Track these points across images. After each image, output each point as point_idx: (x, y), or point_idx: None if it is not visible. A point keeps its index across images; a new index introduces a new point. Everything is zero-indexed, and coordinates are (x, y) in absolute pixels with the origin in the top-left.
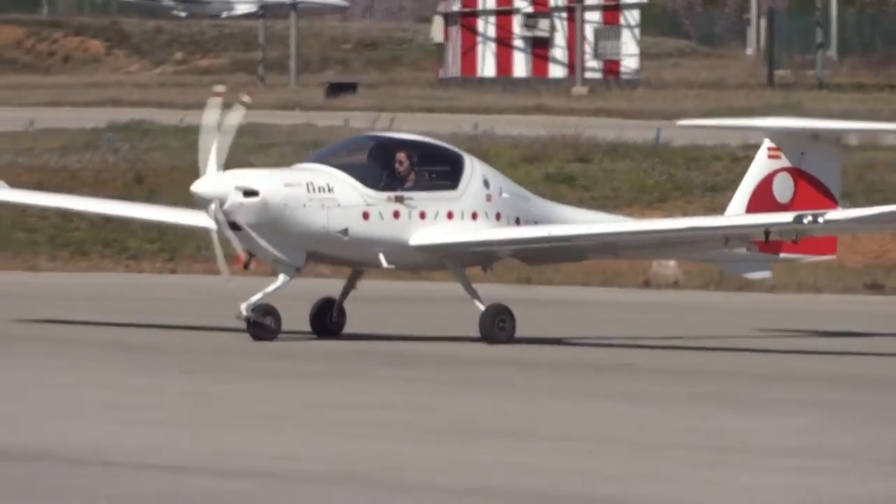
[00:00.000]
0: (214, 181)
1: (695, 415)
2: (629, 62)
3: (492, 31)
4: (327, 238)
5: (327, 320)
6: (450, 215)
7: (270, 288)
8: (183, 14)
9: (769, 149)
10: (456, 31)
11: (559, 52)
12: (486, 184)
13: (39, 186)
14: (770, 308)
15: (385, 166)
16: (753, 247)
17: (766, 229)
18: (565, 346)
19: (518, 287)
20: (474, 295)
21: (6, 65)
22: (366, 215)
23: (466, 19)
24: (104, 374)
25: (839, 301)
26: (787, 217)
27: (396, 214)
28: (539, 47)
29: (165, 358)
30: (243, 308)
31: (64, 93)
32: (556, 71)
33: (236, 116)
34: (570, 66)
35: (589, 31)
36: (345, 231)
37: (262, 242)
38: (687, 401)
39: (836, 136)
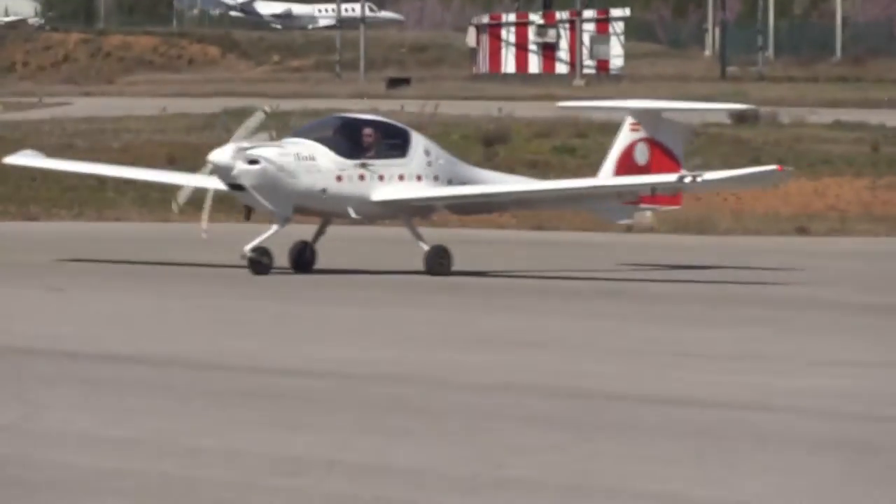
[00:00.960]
0: (226, 153)
1: (661, 328)
2: (616, 61)
3: (512, 38)
4: (310, 195)
5: (303, 258)
6: (401, 177)
7: (267, 234)
8: (279, 26)
9: (631, 123)
10: (485, 38)
11: (563, 53)
12: (427, 153)
13: (171, 158)
14: (729, 246)
15: (352, 140)
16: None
17: (653, 187)
18: (567, 277)
19: (532, 232)
20: (419, 237)
21: (145, 65)
22: (339, 178)
23: (493, 29)
24: (214, 301)
25: (773, 241)
26: (671, 177)
27: (362, 177)
28: (548, 50)
29: (256, 289)
30: (246, 249)
31: (188, 86)
32: (561, 68)
33: (256, 119)
34: (572, 64)
35: (586, 38)
36: (324, 190)
37: (261, 199)
38: (658, 319)
39: (676, 113)
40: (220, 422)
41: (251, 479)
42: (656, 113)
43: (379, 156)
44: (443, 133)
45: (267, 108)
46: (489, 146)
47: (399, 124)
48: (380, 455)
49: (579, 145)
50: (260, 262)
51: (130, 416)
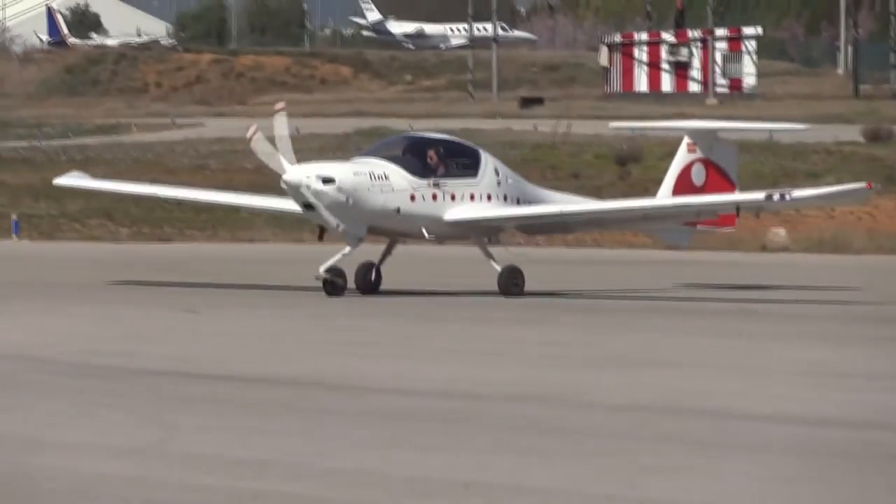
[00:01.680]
0: (299, 171)
1: (798, 348)
2: (748, 80)
3: (645, 57)
4: (384, 215)
5: (368, 280)
6: (472, 197)
7: (340, 254)
8: (411, 46)
9: (688, 144)
10: (617, 57)
11: (696, 72)
12: (497, 172)
13: None
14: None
15: (423, 159)
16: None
17: (738, 205)
18: (700, 294)
19: (666, 252)
20: (491, 257)
21: (278, 85)
22: (412, 197)
23: (626, 48)
24: (347, 321)
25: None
26: (759, 195)
27: (434, 197)
28: (680, 69)
29: (387, 308)
30: (321, 270)
31: (321, 107)
32: (694, 87)
33: (282, 123)
34: (704, 83)
35: (718, 57)
36: (397, 209)
37: (334, 219)
38: (795, 337)
39: (732, 134)
40: (354, 443)
41: (385, 501)
42: (712, 133)
43: (450, 175)
44: (576, 152)
45: (279, 105)
46: (622, 165)
47: (469, 143)
48: (514, 475)
49: None
50: (335, 283)
51: (264, 437)
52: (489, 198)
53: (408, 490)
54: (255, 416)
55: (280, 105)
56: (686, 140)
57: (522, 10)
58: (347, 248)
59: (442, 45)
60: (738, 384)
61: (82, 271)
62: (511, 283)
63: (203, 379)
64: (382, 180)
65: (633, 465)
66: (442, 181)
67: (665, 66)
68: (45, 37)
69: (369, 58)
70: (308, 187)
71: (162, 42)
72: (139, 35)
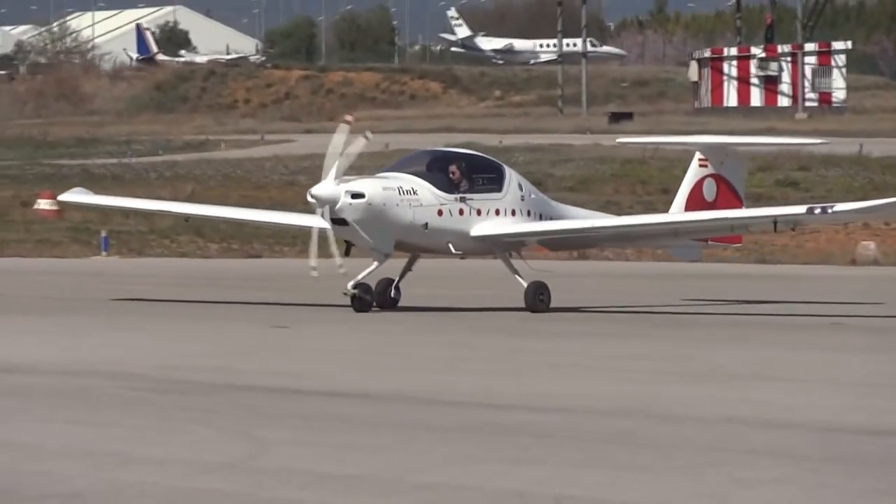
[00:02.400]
0: (329, 186)
1: (889, 360)
2: (838, 94)
3: (734, 72)
4: (412, 230)
5: (388, 296)
6: (497, 212)
7: (367, 270)
8: (501, 61)
9: (700, 159)
10: (707, 72)
11: (785, 86)
12: (521, 187)
13: None
14: None
15: (449, 174)
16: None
17: (775, 220)
18: (789, 310)
19: (755, 266)
20: (516, 272)
21: (368, 101)
22: (440, 213)
23: (715, 63)
24: (438, 337)
25: None
26: (800, 209)
27: (461, 212)
28: (770, 83)
29: (474, 322)
30: (350, 286)
31: (411, 122)
32: (783, 101)
33: (359, 144)
34: (794, 97)
35: (808, 71)
36: (425, 225)
37: (364, 234)
38: (887, 350)
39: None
40: (445, 458)
41: None
42: (723, 148)
43: (476, 190)
44: (666, 167)
45: (369, 134)
46: None
47: (493, 158)
48: (604, 489)
49: (801, 178)
50: (363, 300)
51: (354, 452)
52: (513, 213)
53: None
54: (345, 431)
55: (349, 118)
56: (698, 155)
57: (611, 25)
58: (374, 264)
59: (531, 61)
60: (831, 397)
61: (171, 287)
62: (538, 298)
63: (293, 394)
64: (411, 195)
65: (725, 479)
66: (468, 196)
67: (754, 80)
68: (134, 54)
69: (459, 73)
70: (338, 202)
71: (251, 59)
72: (228, 52)
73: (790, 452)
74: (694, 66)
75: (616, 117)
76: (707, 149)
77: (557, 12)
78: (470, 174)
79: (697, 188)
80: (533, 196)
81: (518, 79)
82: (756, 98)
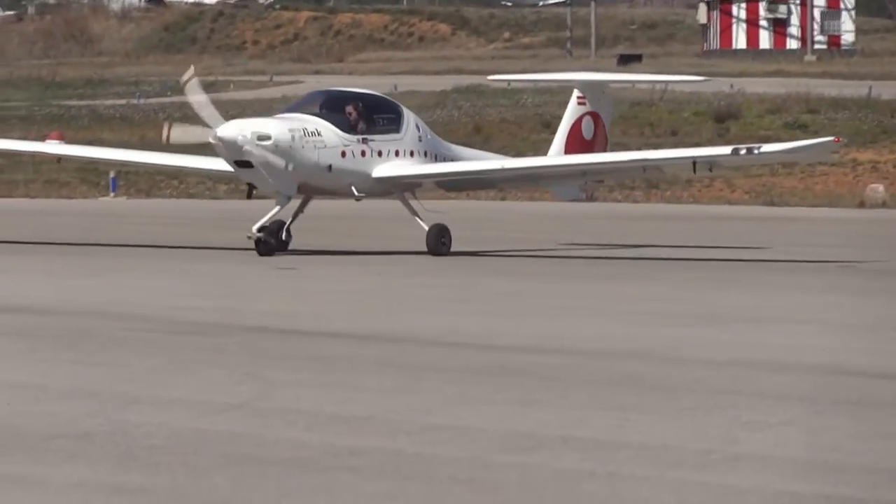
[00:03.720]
0: (235, 127)
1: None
2: (847, 36)
3: (743, 14)
4: (317, 172)
5: (279, 238)
6: (397, 153)
7: (270, 213)
8: (510, 3)
9: (578, 97)
10: (716, 15)
11: (794, 29)
12: (418, 128)
13: None
14: None
15: (350, 114)
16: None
17: (694, 160)
18: (796, 253)
19: (764, 207)
20: (416, 214)
21: (376, 43)
22: (343, 154)
23: (724, 5)
24: (439, 279)
25: None
26: (725, 149)
27: (363, 153)
28: (779, 26)
29: (478, 265)
30: (254, 229)
31: (419, 64)
32: (792, 44)
33: (192, 77)
34: (803, 39)
35: (816, 13)
36: (329, 167)
37: (268, 177)
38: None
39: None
40: (452, 399)
41: (484, 456)
42: (601, 86)
43: (376, 131)
44: (675, 110)
45: (189, 73)
46: (721, 122)
47: (391, 99)
48: (612, 431)
49: (810, 121)
50: (267, 243)
51: (362, 393)
52: (412, 154)
53: (506, 445)
54: (352, 372)
55: (189, 74)
56: (576, 93)
57: None
58: (277, 207)
59: (540, 3)
60: (840, 340)
61: (179, 229)
62: (440, 241)
63: (301, 335)
64: (315, 136)
65: (732, 421)
66: (370, 137)
67: (763, 23)
68: None
69: (467, 15)
70: (243, 144)
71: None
72: None
73: (800, 395)
74: (703, 8)
75: (625, 59)
76: (585, 86)
77: None
78: (369, 115)
79: (577, 126)
80: (430, 137)
81: (527, 20)
82: (765, 41)
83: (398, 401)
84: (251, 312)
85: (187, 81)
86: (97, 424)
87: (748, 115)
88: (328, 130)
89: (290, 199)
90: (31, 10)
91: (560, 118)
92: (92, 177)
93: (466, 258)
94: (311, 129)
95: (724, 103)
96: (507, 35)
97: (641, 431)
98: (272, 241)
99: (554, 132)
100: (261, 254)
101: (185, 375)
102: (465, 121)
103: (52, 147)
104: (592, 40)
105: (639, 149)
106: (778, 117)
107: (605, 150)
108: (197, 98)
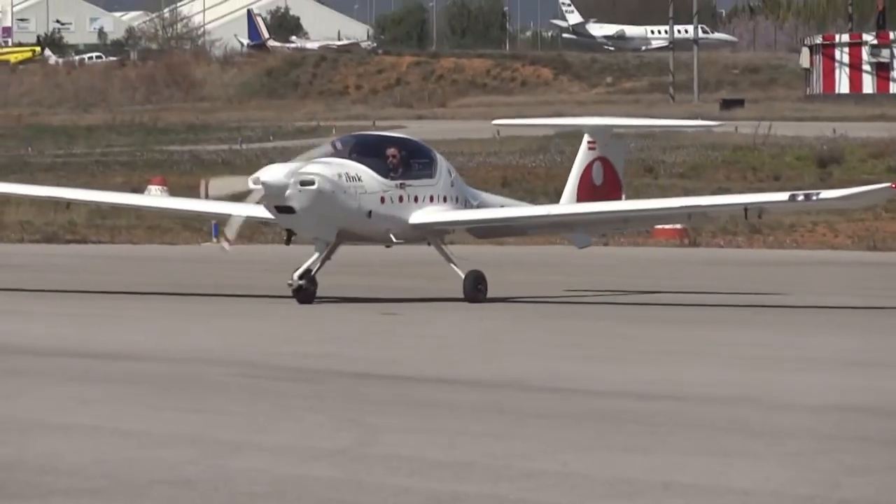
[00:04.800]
0: (278, 172)
1: None
2: None
3: (846, 59)
4: (357, 218)
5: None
6: (431, 199)
7: (311, 260)
8: (612, 48)
9: (588, 142)
10: (818, 59)
11: None
12: (450, 173)
13: (504, 181)
14: None
15: (387, 159)
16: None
17: (745, 206)
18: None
19: (867, 252)
20: (451, 261)
21: (478, 88)
22: (382, 200)
23: (827, 49)
24: (546, 322)
25: None
26: (783, 196)
27: (401, 199)
28: (882, 70)
29: (578, 310)
30: (295, 276)
31: (521, 109)
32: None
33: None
34: None
35: None
36: (369, 213)
37: (310, 223)
38: None
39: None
40: (555, 444)
41: (587, 502)
42: (609, 130)
43: (412, 176)
44: (777, 154)
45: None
46: (823, 167)
47: (424, 143)
48: (715, 476)
49: None
50: (307, 290)
51: (464, 439)
52: (445, 199)
53: (609, 491)
54: (455, 417)
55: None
56: (586, 138)
57: (723, 11)
58: (316, 254)
59: (642, 47)
60: None
61: (281, 274)
62: (477, 288)
63: (403, 381)
64: (356, 182)
65: (836, 466)
66: (408, 182)
67: (866, 67)
68: (245, 40)
69: (570, 60)
70: (287, 189)
71: (362, 45)
72: (339, 38)
73: None
74: (805, 52)
75: (727, 104)
76: (593, 130)
77: None
78: (407, 159)
79: (587, 172)
80: (459, 182)
81: (629, 65)
82: (868, 85)
83: (501, 446)
84: (352, 358)
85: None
86: (199, 471)
87: (851, 159)
88: (368, 175)
89: (328, 245)
90: (133, 55)
91: (663, 163)
92: (195, 223)
93: (568, 305)
94: (352, 174)
95: (827, 148)
96: (609, 80)
97: (744, 476)
98: (312, 289)
99: (656, 177)
100: (300, 301)
101: (287, 421)
102: (567, 165)
103: (49, 191)
104: (695, 85)
105: (742, 193)
106: (881, 161)
107: (619, 196)
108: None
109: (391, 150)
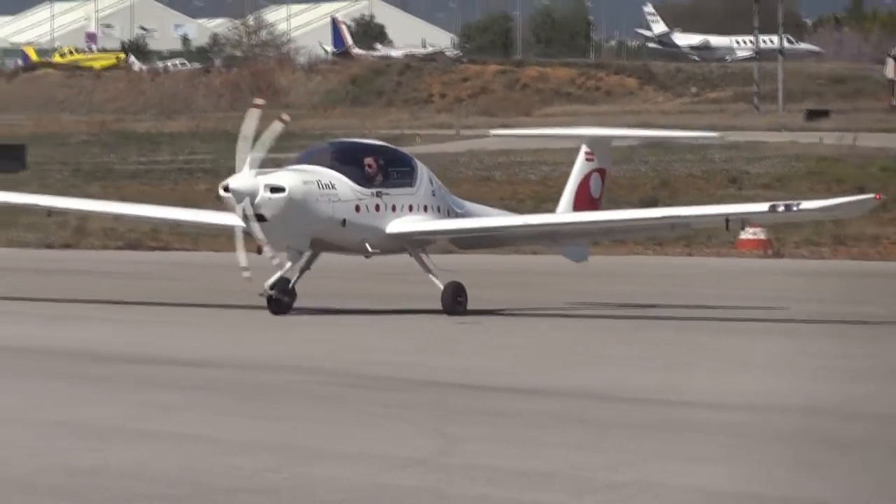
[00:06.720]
0: (247, 179)
1: None
2: None
3: None
4: (330, 227)
5: (291, 295)
6: (410, 208)
7: (283, 269)
8: (697, 58)
9: (586, 152)
10: None
11: None
12: (431, 181)
13: None
14: None
15: (363, 166)
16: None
17: (727, 217)
18: None
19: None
20: (431, 272)
21: (562, 97)
22: (357, 208)
23: None
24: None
25: None
26: (762, 206)
27: (377, 207)
28: None
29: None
30: (266, 286)
31: (606, 119)
32: None
33: (275, 130)
34: None
35: None
36: (343, 221)
37: (281, 231)
38: None
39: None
40: (637, 455)
41: None
42: (608, 141)
43: (390, 185)
44: (862, 165)
45: (286, 117)
46: None
47: (403, 151)
48: (798, 488)
49: None
50: (280, 301)
51: (545, 449)
52: (426, 209)
53: (689, 501)
54: (536, 427)
55: (259, 101)
56: (584, 148)
57: (808, 22)
58: (288, 263)
59: (727, 57)
60: None
61: (360, 282)
62: (456, 300)
63: (484, 390)
64: (330, 189)
65: None
66: (385, 191)
67: None
68: (329, 48)
69: (654, 69)
70: (256, 196)
71: (447, 53)
72: (424, 46)
73: None
74: (891, 63)
75: (812, 115)
76: (592, 141)
77: (754, 9)
78: (384, 167)
79: (585, 183)
80: (442, 191)
81: (714, 75)
82: None
83: (582, 457)
84: (432, 367)
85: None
86: (280, 478)
87: None
88: (342, 183)
89: (301, 254)
90: (217, 62)
91: (747, 174)
92: None
93: (641, 313)
94: (325, 181)
95: None
96: (693, 90)
97: (824, 487)
98: (285, 299)
99: (740, 188)
100: (274, 312)
101: (368, 430)
102: (651, 175)
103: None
104: (780, 95)
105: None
106: None
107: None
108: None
109: (368, 159)
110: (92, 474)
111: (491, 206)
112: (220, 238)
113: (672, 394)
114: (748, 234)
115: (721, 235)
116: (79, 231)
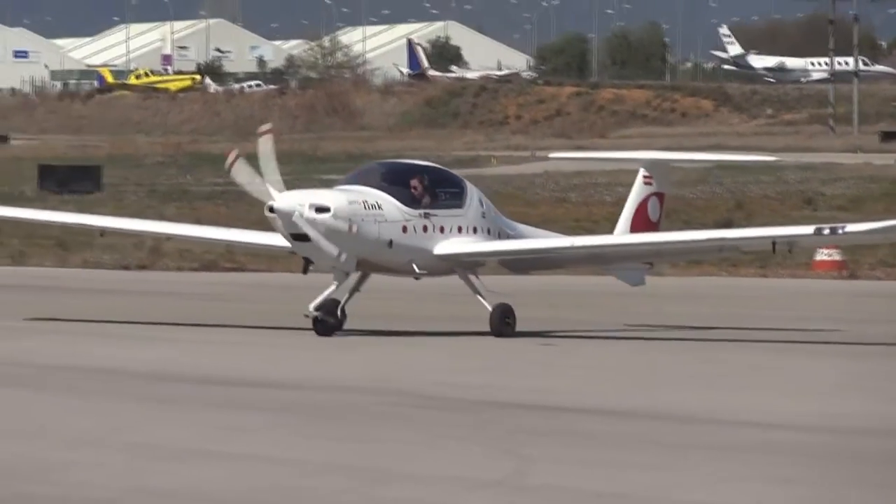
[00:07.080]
0: (291, 199)
1: None
2: None
3: None
4: (377, 248)
5: (337, 317)
6: (459, 229)
7: (328, 290)
8: (772, 80)
9: (644, 176)
10: None
11: None
12: (481, 203)
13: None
14: None
15: (411, 187)
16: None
17: (774, 240)
18: None
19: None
20: (479, 293)
21: (638, 119)
22: (405, 229)
23: None
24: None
25: None
26: (808, 229)
27: (425, 228)
28: None
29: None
30: (311, 307)
31: (681, 140)
32: None
33: (266, 146)
34: None
35: None
36: (390, 242)
37: (326, 251)
38: None
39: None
40: (712, 476)
41: None
42: (666, 164)
43: (439, 206)
44: None
45: (266, 126)
46: None
47: (454, 172)
48: None
49: None
50: (325, 322)
51: (622, 470)
52: (475, 230)
53: None
54: (612, 448)
55: (266, 127)
56: (642, 172)
57: (884, 44)
58: (334, 284)
59: (803, 79)
60: None
61: (428, 304)
62: (504, 322)
63: (559, 411)
64: (376, 210)
65: None
66: (432, 212)
67: None
68: (405, 69)
69: (730, 91)
70: (301, 216)
71: (522, 75)
72: (500, 68)
73: None
74: None
75: (888, 136)
76: (651, 165)
77: (829, 31)
78: (432, 188)
79: (643, 207)
80: (493, 213)
81: (789, 97)
82: None
83: (658, 477)
84: (507, 387)
85: (231, 165)
86: (352, 500)
87: None
88: (389, 204)
89: (348, 275)
90: (293, 84)
91: (823, 195)
92: None
93: (705, 332)
94: (371, 201)
95: None
96: (769, 111)
97: None
98: (331, 321)
99: (815, 209)
100: (319, 333)
101: (442, 451)
102: (726, 197)
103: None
104: (855, 117)
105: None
106: None
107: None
108: (245, 180)
109: (416, 179)
110: (164, 496)
111: (565, 228)
112: (294, 259)
113: (748, 414)
114: (823, 255)
115: (797, 257)
116: (154, 252)
